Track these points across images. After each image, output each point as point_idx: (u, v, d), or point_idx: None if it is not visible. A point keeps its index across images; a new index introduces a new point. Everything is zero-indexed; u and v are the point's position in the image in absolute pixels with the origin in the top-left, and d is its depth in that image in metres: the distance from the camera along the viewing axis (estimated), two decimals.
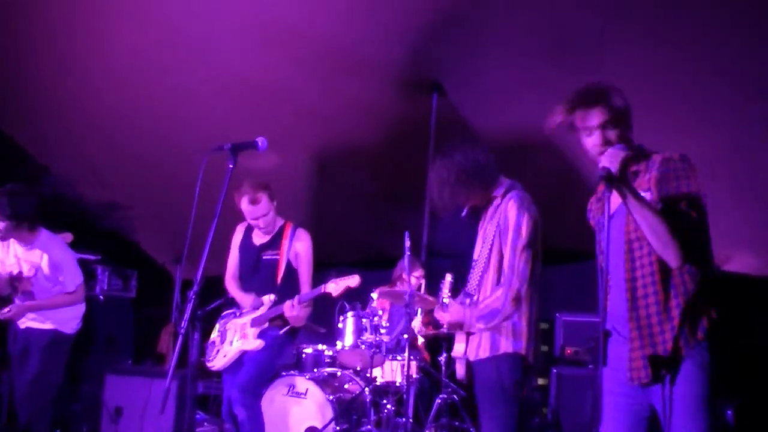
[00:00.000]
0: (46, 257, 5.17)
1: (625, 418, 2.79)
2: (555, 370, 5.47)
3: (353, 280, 4.70)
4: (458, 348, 3.69)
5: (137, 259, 9.03)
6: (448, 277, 3.88)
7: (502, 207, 3.62)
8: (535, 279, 3.56)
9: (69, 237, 6.16)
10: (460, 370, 3.73)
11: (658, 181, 2.70)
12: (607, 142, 2.76)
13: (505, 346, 3.50)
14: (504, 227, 3.57)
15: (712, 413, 2.61)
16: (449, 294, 3.80)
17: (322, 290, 4.74)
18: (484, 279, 3.62)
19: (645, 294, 2.71)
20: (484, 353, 3.54)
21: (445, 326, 3.76)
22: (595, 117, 2.78)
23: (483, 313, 3.53)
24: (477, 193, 3.72)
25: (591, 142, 2.81)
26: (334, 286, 4.70)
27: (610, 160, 2.61)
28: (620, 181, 2.59)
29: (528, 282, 3.51)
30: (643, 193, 2.68)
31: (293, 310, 4.68)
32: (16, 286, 5.25)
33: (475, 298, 3.62)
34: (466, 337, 3.65)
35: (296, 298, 4.69)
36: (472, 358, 3.62)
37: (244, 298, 5.02)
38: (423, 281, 6.60)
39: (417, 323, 6.62)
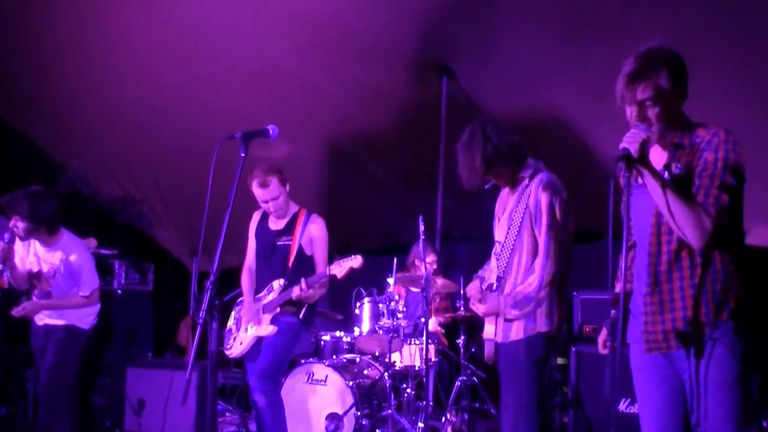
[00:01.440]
0: (64, 260, 5.21)
1: (658, 392, 2.76)
2: (574, 349, 5.47)
3: (356, 261, 4.71)
4: (488, 329, 3.69)
5: (154, 252, 9.08)
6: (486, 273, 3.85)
7: (532, 189, 3.61)
8: (569, 261, 3.58)
9: (93, 243, 6.24)
10: (489, 351, 3.74)
11: (696, 157, 2.62)
12: (643, 119, 2.66)
13: (539, 326, 3.52)
14: (536, 210, 3.56)
15: (745, 397, 2.55)
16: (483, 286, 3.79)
17: (328, 272, 4.76)
18: (513, 261, 3.61)
19: (668, 270, 2.66)
20: (517, 335, 3.55)
21: (480, 315, 3.75)
22: (639, 91, 2.65)
23: (517, 300, 3.54)
24: (507, 173, 3.71)
25: (629, 113, 2.71)
26: (339, 268, 4.72)
27: (630, 140, 2.56)
28: (638, 161, 2.54)
29: (563, 265, 3.53)
30: (678, 168, 2.64)
31: (301, 293, 4.71)
32: (35, 284, 5.30)
33: (502, 282, 3.62)
34: (496, 319, 3.65)
35: (303, 281, 4.70)
36: (500, 340, 3.63)
37: (249, 302, 5.06)
38: (435, 266, 6.60)
39: (432, 323, 6.60)
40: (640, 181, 2.66)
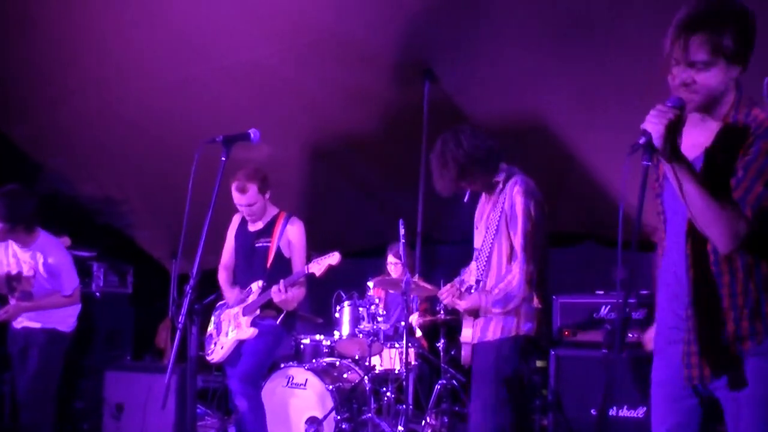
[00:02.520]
0: (42, 260, 5.16)
1: (675, 410, 2.43)
2: (554, 352, 5.49)
3: (334, 258, 4.71)
4: (466, 333, 3.70)
5: (133, 253, 9.03)
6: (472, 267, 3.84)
7: (507, 193, 3.62)
8: (546, 262, 3.59)
9: (67, 241, 6.16)
10: (466, 355, 3.74)
11: (747, 143, 2.16)
12: (686, 85, 2.21)
13: (517, 328, 3.52)
14: (512, 213, 3.57)
15: None
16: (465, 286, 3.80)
17: (306, 271, 4.75)
18: (491, 265, 3.63)
19: (705, 281, 2.27)
20: (494, 336, 3.55)
21: (461, 311, 3.75)
22: (694, 48, 2.17)
23: (498, 298, 3.55)
24: (481, 179, 3.73)
25: (674, 75, 2.24)
26: (317, 266, 4.72)
27: (655, 121, 2.12)
28: (664, 149, 2.12)
29: (540, 265, 3.54)
30: (717, 157, 2.22)
31: (281, 294, 4.69)
32: (14, 286, 5.24)
33: (481, 285, 3.63)
34: (473, 322, 3.66)
35: (281, 282, 4.70)
36: (476, 341, 3.63)
37: (229, 292, 5.06)
38: (401, 269, 6.63)
39: (414, 318, 6.63)
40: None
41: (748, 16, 2.19)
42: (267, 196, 5.00)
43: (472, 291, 3.64)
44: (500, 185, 3.69)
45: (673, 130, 2.12)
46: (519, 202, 3.56)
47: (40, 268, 5.16)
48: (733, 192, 2.17)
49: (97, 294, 6.77)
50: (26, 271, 5.20)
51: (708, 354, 2.26)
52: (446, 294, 3.74)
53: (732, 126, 2.22)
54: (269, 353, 4.97)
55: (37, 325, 5.17)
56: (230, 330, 4.96)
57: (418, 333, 6.75)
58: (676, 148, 2.14)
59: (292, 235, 5.00)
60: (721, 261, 2.25)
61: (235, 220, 5.21)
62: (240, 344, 4.92)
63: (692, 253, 2.29)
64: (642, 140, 2.11)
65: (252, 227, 5.08)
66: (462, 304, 3.68)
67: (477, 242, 3.76)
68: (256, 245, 5.00)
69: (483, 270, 3.64)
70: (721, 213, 2.13)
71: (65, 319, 5.24)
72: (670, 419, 2.44)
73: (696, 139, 2.31)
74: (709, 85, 2.20)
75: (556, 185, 6.36)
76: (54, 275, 5.18)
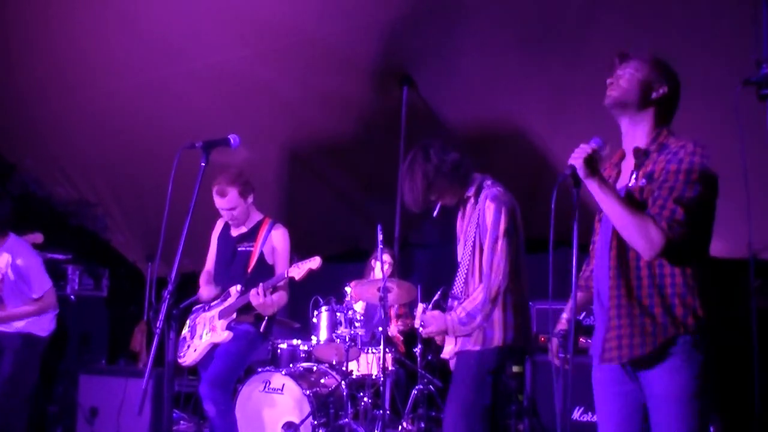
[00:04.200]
0: (10, 261, 5.09)
1: (617, 409, 2.71)
2: (530, 358, 5.53)
3: (314, 262, 4.68)
4: (447, 349, 3.71)
5: (108, 256, 8.96)
6: (420, 307, 3.85)
7: (480, 205, 3.63)
8: (518, 269, 3.59)
9: (39, 238, 6.07)
10: (453, 366, 3.75)
11: (660, 169, 2.59)
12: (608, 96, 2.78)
13: (496, 339, 3.53)
14: (483, 226, 3.59)
15: (701, 412, 2.50)
16: (427, 306, 3.81)
17: (286, 274, 4.72)
18: (469, 279, 3.63)
19: (627, 283, 2.62)
20: (474, 346, 3.56)
21: (432, 336, 3.74)
22: (618, 68, 2.82)
23: (461, 317, 3.55)
24: (451, 193, 3.75)
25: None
26: (297, 270, 4.68)
27: (576, 156, 2.59)
28: (586, 176, 2.57)
29: (510, 275, 3.53)
30: (640, 180, 2.63)
31: (259, 298, 4.65)
32: None
33: (461, 301, 3.64)
34: (454, 338, 3.66)
35: (260, 285, 4.66)
36: (458, 348, 3.63)
37: (205, 290, 5.00)
38: (391, 269, 6.65)
39: (393, 329, 6.63)
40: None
41: (668, 69, 2.78)
42: (250, 200, 4.96)
43: (454, 308, 3.64)
44: (472, 199, 3.71)
45: (591, 162, 2.57)
46: (489, 213, 3.57)
47: (9, 271, 5.09)
48: (650, 208, 2.55)
49: (72, 297, 6.71)
50: None
51: (626, 338, 2.58)
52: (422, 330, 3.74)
53: (648, 152, 2.68)
54: (242, 358, 4.90)
55: (12, 329, 5.11)
56: (204, 333, 4.92)
57: (395, 334, 6.76)
58: (594, 173, 2.57)
59: (277, 241, 4.97)
60: (642, 266, 2.60)
61: (219, 225, 5.18)
62: (213, 348, 4.88)
63: (616, 257, 2.66)
64: (568, 171, 2.60)
65: (235, 231, 5.05)
66: (429, 329, 3.67)
67: (459, 255, 3.77)
68: (239, 249, 4.97)
69: (462, 285, 3.65)
70: (639, 222, 2.51)
71: (41, 323, 5.19)
72: (616, 416, 2.71)
73: (627, 165, 2.77)
74: (628, 82, 2.74)
75: (531, 191, 6.39)
76: (22, 277, 5.11)
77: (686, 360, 2.52)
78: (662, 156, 2.62)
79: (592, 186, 2.57)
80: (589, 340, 5.16)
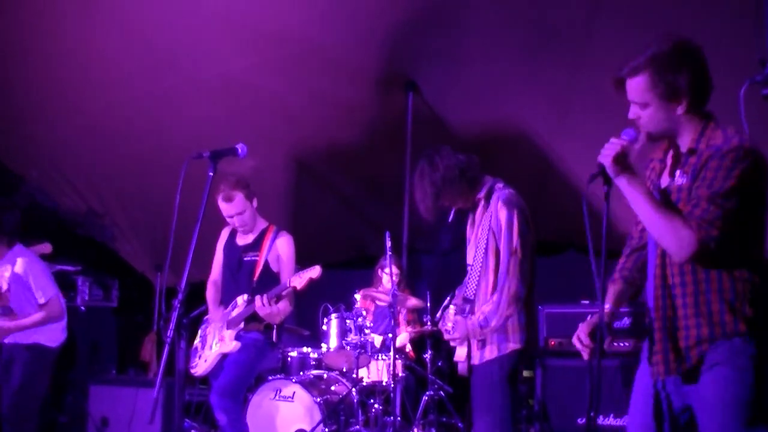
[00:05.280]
0: (10, 270, 5.09)
1: (646, 408, 2.62)
2: (540, 362, 5.52)
3: (314, 272, 4.66)
4: (460, 352, 3.72)
5: (116, 266, 8.96)
6: (451, 309, 3.86)
7: (492, 208, 3.64)
8: (533, 274, 3.61)
9: (47, 248, 6.06)
10: (463, 368, 3.75)
11: (701, 166, 2.42)
12: (635, 120, 2.56)
13: (512, 343, 3.55)
14: (497, 229, 3.60)
15: (751, 421, 2.36)
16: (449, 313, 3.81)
17: (288, 284, 4.72)
18: (482, 283, 3.64)
19: (673, 284, 2.51)
20: (491, 355, 3.57)
21: (455, 342, 3.74)
22: (630, 93, 2.54)
23: (481, 320, 3.56)
24: (462, 197, 3.77)
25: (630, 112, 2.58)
26: (299, 279, 4.67)
27: (605, 154, 2.50)
28: (616, 174, 2.48)
29: (526, 280, 3.55)
30: (680, 178, 2.49)
31: (264, 307, 4.66)
32: None
33: (473, 304, 3.65)
34: (468, 342, 3.67)
35: (264, 295, 4.67)
36: (476, 362, 3.64)
37: (213, 312, 5.02)
38: (397, 279, 6.62)
39: (403, 338, 6.60)
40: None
41: (667, 55, 2.49)
42: (254, 203, 4.97)
43: (466, 312, 3.64)
44: (483, 202, 3.72)
45: (620, 160, 2.48)
46: (503, 216, 3.59)
47: (12, 279, 5.08)
48: (685, 207, 2.44)
49: (82, 308, 6.72)
50: (4, 286, 5.12)
51: (669, 353, 2.50)
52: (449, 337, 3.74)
53: (693, 150, 2.49)
54: (251, 367, 4.91)
55: (21, 340, 5.11)
56: (214, 343, 4.93)
57: (408, 347, 6.75)
58: (624, 170, 2.48)
59: (282, 249, 4.97)
60: (684, 272, 2.49)
61: (224, 234, 5.18)
62: (223, 358, 4.89)
63: (659, 264, 2.56)
64: (597, 170, 2.52)
65: (240, 241, 5.05)
66: (454, 335, 3.67)
67: (469, 258, 3.78)
68: (244, 259, 4.97)
69: (474, 288, 3.66)
70: (667, 222, 2.41)
71: (50, 334, 5.18)
72: (638, 418, 2.64)
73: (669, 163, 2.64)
74: (650, 121, 2.53)
75: (537, 194, 6.39)
76: (25, 283, 5.10)
77: (735, 368, 2.39)
78: (707, 152, 2.43)
79: (622, 183, 2.49)
80: (618, 343, 5.19)
